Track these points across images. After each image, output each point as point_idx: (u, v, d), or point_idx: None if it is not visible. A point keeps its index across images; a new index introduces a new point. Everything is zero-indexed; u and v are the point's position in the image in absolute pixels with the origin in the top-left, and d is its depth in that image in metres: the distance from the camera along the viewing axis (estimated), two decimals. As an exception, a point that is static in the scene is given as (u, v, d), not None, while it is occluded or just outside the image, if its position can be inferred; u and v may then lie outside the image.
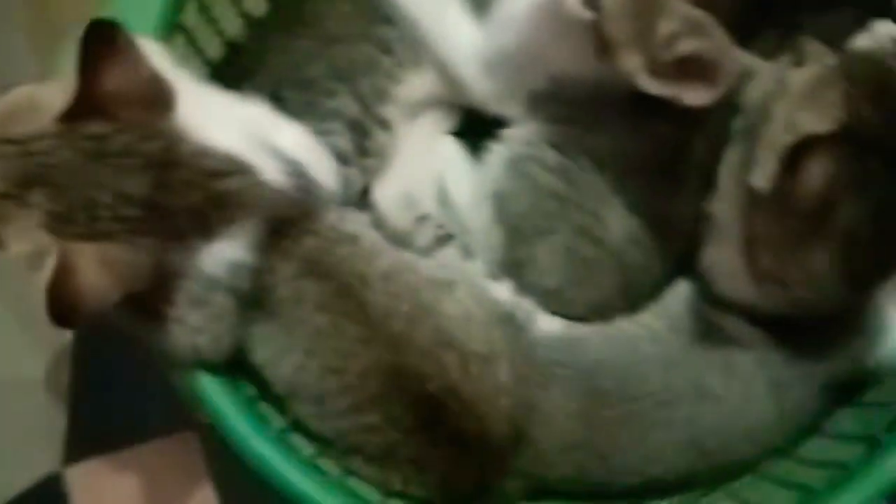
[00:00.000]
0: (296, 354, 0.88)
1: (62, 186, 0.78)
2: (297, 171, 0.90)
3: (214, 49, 1.04)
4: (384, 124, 1.05)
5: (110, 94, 0.79)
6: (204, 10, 0.99)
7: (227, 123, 0.88)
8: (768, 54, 0.98)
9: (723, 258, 0.91)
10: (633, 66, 0.86)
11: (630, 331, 1.00)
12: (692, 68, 0.84)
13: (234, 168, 0.85)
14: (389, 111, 1.05)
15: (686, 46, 0.83)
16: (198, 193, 0.83)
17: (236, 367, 0.90)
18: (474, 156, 1.08)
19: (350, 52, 1.03)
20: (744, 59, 0.94)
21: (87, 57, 0.78)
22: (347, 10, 1.05)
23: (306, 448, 0.91)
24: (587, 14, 0.85)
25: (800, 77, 0.87)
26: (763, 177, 0.78)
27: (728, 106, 0.93)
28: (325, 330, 0.88)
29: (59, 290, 0.75)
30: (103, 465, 1.16)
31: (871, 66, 0.83)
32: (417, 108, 1.09)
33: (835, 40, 0.96)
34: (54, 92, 0.80)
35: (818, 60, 0.88)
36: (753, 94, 0.92)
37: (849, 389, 0.98)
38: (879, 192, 0.80)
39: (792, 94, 0.85)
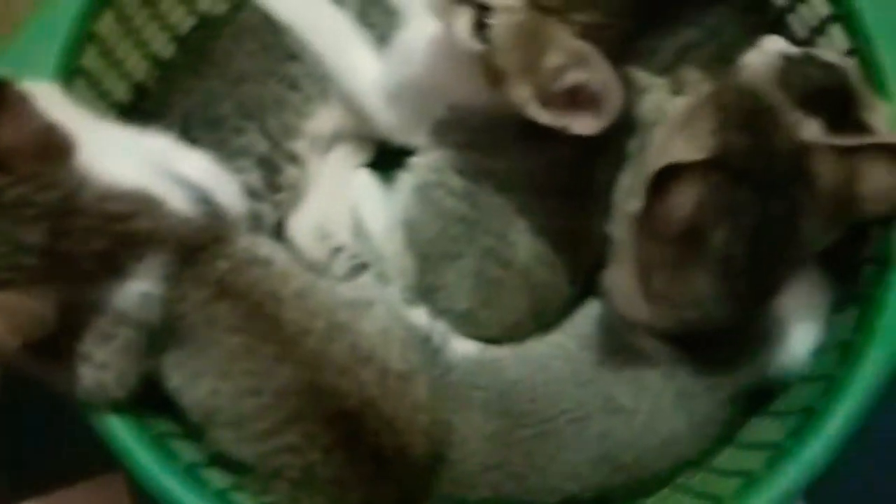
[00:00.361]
0: (209, 378, 0.88)
1: None
2: (203, 198, 0.91)
3: (122, 92, 1.05)
4: (294, 159, 1.07)
5: (4, 149, 0.80)
6: (106, 53, 1.00)
7: (130, 158, 0.89)
8: (667, 69, 1.01)
9: (620, 279, 0.93)
10: (523, 97, 0.88)
11: (542, 350, 1.02)
12: (581, 97, 0.86)
13: (141, 207, 0.86)
14: (299, 146, 1.07)
15: (572, 78, 0.86)
16: (102, 238, 0.83)
17: (146, 403, 0.90)
18: (388, 186, 1.09)
19: (257, 90, 1.05)
20: (640, 77, 0.97)
21: None
22: (254, 48, 1.07)
23: (219, 481, 0.91)
24: (477, 46, 0.87)
25: (677, 105, 0.89)
26: (636, 203, 0.80)
27: (626, 127, 0.95)
28: (238, 351, 0.88)
29: None
30: (31, 510, 1.15)
31: (743, 95, 0.86)
32: (329, 142, 1.11)
33: (726, 54, 1.00)
34: None
35: (696, 89, 0.90)
36: (645, 115, 0.95)
37: (759, 399, 0.99)
38: (752, 219, 0.82)
39: (668, 122, 0.88)
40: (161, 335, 0.88)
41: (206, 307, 0.88)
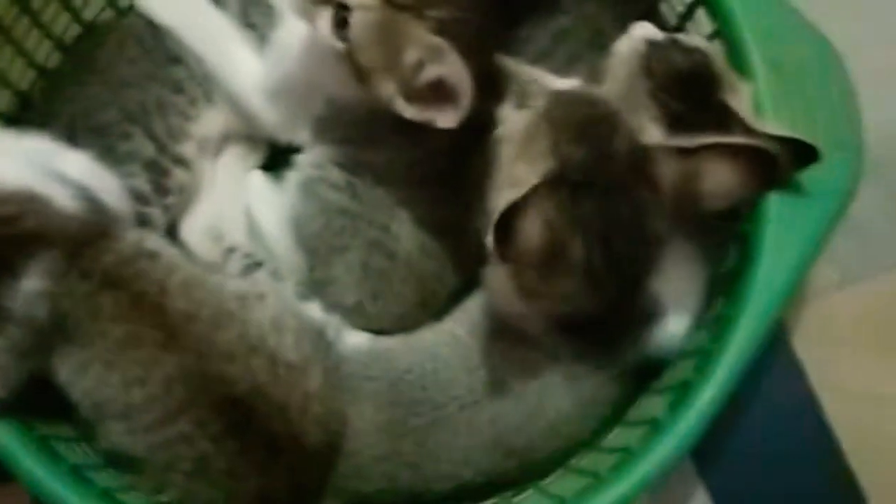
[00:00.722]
0: (96, 369, 0.88)
1: None
2: (86, 195, 0.92)
3: (5, 102, 1.06)
4: (182, 162, 1.08)
5: None
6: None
7: (12, 159, 0.91)
8: (543, 55, 1.04)
9: (496, 277, 0.95)
10: (389, 92, 0.90)
11: (431, 339, 1.03)
12: (443, 91, 0.87)
13: (26, 207, 0.87)
14: (187, 149, 1.08)
15: (430, 73, 0.87)
16: None
17: (31, 407, 0.91)
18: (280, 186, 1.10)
19: (140, 95, 1.06)
20: (508, 65, 0.99)
21: None
22: (136, 54, 1.07)
23: (106, 481, 0.92)
24: (338, 44, 0.89)
25: (517, 123, 0.91)
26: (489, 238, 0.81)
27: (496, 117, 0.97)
28: (123, 340, 0.88)
29: None
30: None
31: (572, 107, 0.88)
32: (219, 144, 1.12)
33: (600, 41, 1.03)
34: None
35: (535, 101, 0.91)
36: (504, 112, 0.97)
37: (646, 377, 1.02)
38: (602, 224, 0.84)
39: (509, 141, 0.90)
40: (48, 332, 0.88)
41: (91, 299, 0.88)
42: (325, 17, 0.89)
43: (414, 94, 0.89)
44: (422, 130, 0.93)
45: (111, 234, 0.92)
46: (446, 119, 0.87)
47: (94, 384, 0.89)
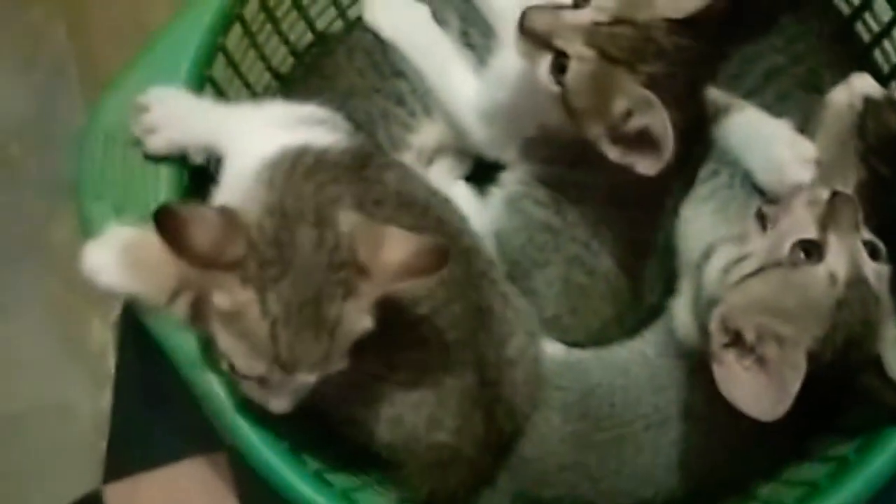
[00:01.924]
0: None
1: None
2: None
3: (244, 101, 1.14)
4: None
5: None
6: (232, 64, 1.10)
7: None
8: (752, 93, 1.07)
9: (683, 311, 1.01)
10: (595, 134, 0.95)
11: (623, 355, 1.07)
12: (647, 138, 0.92)
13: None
14: (406, 158, 1.14)
15: (637, 122, 0.92)
16: None
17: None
18: (482, 199, 1.16)
19: (366, 104, 1.13)
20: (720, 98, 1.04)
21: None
22: (363, 65, 1.15)
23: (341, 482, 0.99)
24: (555, 88, 0.95)
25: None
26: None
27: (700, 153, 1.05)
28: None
29: None
30: (139, 484, 1.25)
31: None
32: (432, 155, 1.18)
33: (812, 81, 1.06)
34: None
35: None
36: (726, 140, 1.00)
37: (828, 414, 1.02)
38: None
39: None
40: None
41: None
42: (545, 62, 0.94)
43: (619, 139, 0.94)
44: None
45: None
46: (647, 166, 0.92)
47: None
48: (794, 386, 0.84)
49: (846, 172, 0.97)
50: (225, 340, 0.83)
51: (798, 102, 1.07)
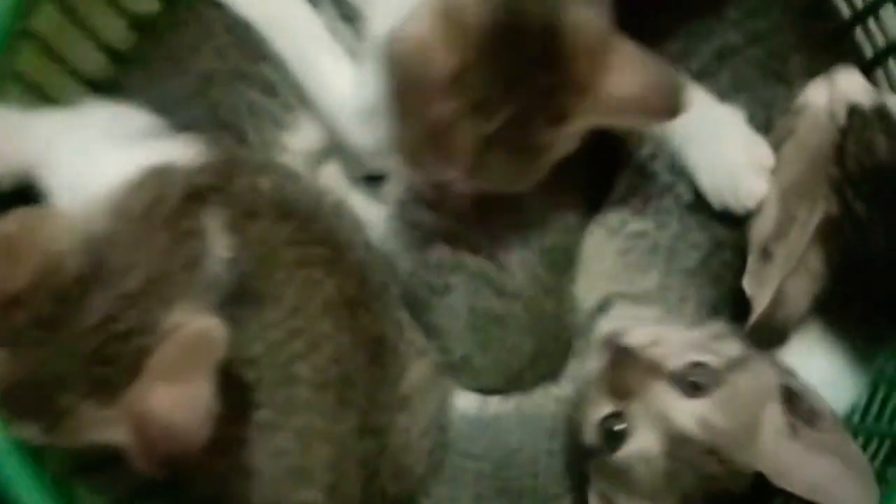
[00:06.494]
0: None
1: None
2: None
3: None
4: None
5: None
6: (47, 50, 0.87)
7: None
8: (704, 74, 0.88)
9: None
10: None
11: (550, 409, 0.90)
12: None
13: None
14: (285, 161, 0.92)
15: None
16: None
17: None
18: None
19: (229, 96, 0.91)
20: None
21: None
22: (222, 43, 0.91)
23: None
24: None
25: None
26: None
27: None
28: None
29: None
30: None
31: None
32: (321, 158, 0.95)
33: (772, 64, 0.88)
34: None
35: None
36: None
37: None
38: None
39: None
40: None
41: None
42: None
43: None
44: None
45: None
46: None
47: None
48: None
49: (813, 204, 0.78)
50: None
51: (755, 94, 0.87)
